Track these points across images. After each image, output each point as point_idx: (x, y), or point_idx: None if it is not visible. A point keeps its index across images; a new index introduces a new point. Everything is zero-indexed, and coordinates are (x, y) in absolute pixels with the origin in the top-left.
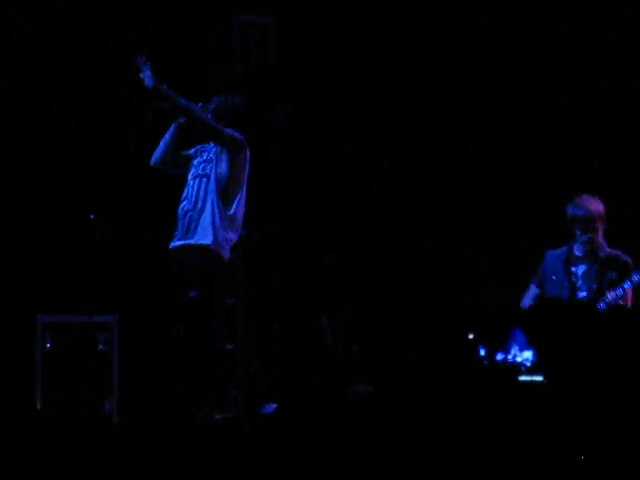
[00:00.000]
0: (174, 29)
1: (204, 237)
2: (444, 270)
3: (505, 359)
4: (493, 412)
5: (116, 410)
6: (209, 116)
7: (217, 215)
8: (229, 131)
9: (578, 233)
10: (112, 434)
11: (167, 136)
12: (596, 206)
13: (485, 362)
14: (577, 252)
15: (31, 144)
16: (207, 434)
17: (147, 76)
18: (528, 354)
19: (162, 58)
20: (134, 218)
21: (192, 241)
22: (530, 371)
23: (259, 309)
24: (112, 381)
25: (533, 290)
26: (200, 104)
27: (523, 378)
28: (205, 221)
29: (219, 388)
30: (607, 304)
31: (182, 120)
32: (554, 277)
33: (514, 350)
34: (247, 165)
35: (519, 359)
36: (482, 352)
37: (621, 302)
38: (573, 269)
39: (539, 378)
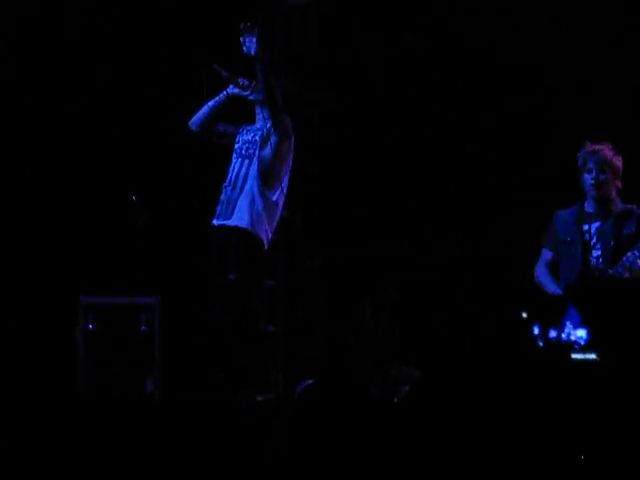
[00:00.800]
0: (215, 13)
1: (241, 219)
2: (492, 250)
3: (559, 337)
4: (548, 391)
5: (158, 390)
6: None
7: (257, 199)
8: (285, 116)
9: (588, 185)
10: (154, 414)
11: (212, 102)
12: (611, 153)
13: (539, 342)
14: (588, 208)
15: (73, 125)
16: (248, 416)
17: (252, 44)
18: (582, 332)
19: (204, 44)
20: (177, 197)
21: (230, 222)
22: (584, 349)
23: (300, 291)
24: (154, 361)
25: (546, 254)
26: (254, 82)
27: (576, 356)
28: (243, 203)
29: (260, 370)
30: (627, 266)
31: (233, 90)
32: (568, 238)
33: (568, 328)
34: (292, 153)
35: (573, 337)
36: (536, 330)
37: None
38: (585, 227)
39: (592, 356)
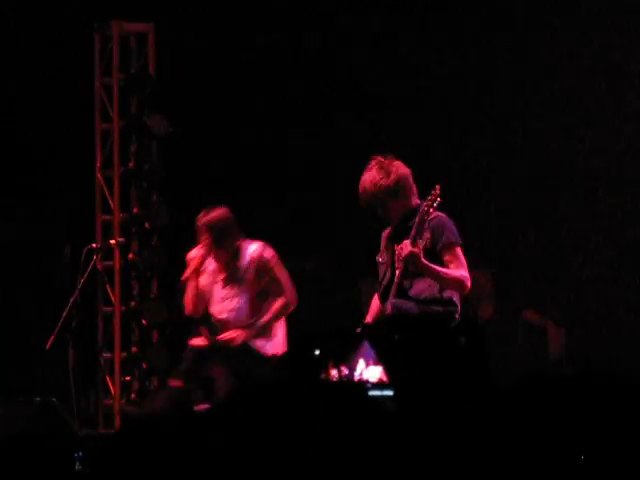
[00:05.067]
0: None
1: None
2: None
3: (351, 375)
4: (347, 429)
5: None
6: None
7: None
8: None
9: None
10: None
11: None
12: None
13: (333, 380)
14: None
15: None
16: None
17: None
18: (375, 370)
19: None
20: None
21: None
22: (378, 386)
23: None
24: None
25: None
26: None
27: (373, 393)
28: None
29: None
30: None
31: None
32: (380, 259)
33: (360, 366)
34: None
35: (366, 375)
36: (330, 369)
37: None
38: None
39: (389, 392)
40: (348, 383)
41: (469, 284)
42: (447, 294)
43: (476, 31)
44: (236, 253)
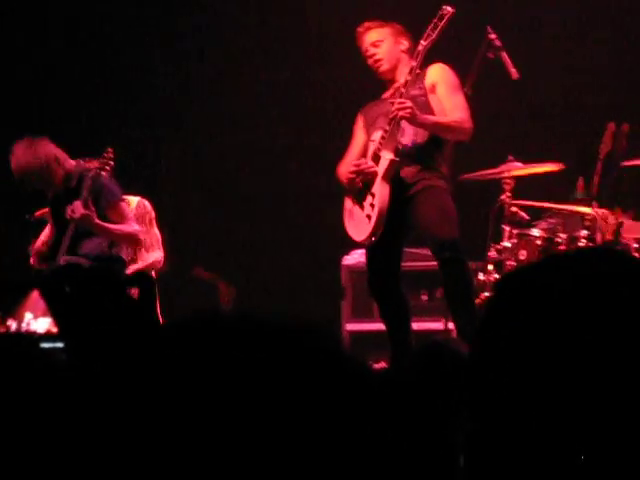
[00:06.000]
0: None
1: None
2: None
3: (19, 327)
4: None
5: None
6: None
7: None
8: None
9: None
10: None
11: None
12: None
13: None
14: None
15: None
16: None
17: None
18: (43, 321)
19: None
20: None
21: None
22: (47, 338)
23: None
24: None
25: None
26: None
27: (44, 345)
28: None
29: None
30: None
31: None
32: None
33: (27, 317)
34: None
35: (34, 327)
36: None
37: None
38: None
39: (59, 344)
40: (16, 335)
41: (141, 237)
42: (115, 251)
43: None
44: None
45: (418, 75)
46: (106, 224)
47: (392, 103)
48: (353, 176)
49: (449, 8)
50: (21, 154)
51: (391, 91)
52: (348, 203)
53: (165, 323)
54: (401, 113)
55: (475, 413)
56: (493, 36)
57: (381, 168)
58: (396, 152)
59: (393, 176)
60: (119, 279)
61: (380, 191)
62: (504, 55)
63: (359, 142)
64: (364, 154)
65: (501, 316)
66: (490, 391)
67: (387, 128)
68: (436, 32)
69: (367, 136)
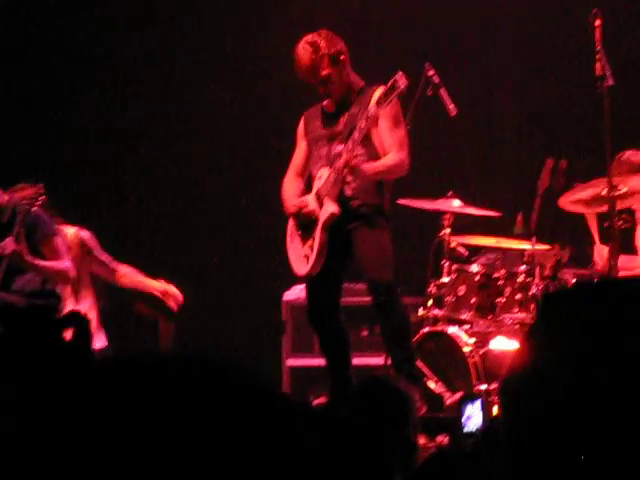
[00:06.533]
0: None
1: None
2: None
3: None
4: None
5: None
6: None
7: None
8: None
9: None
10: None
11: None
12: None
13: None
14: None
15: None
16: None
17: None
18: None
19: None
20: None
21: None
22: None
23: None
24: None
25: None
26: None
27: None
28: None
29: None
30: None
31: None
32: None
33: None
34: None
35: None
36: None
37: None
38: None
39: None
40: None
41: (72, 274)
42: (49, 286)
43: None
44: None
45: (362, 98)
46: (37, 261)
47: (339, 153)
48: (296, 210)
49: (403, 79)
50: None
51: (332, 107)
52: (291, 225)
53: (95, 364)
54: (347, 170)
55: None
56: (432, 72)
57: (322, 217)
58: (338, 198)
59: (332, 224)
60: (53, 319)
61: (319, 238)
62: (443, 92)
63: (301, 153)
64: (306, 163)
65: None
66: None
67: (331, 177)
68: (387, 100)
69: (308, 147)
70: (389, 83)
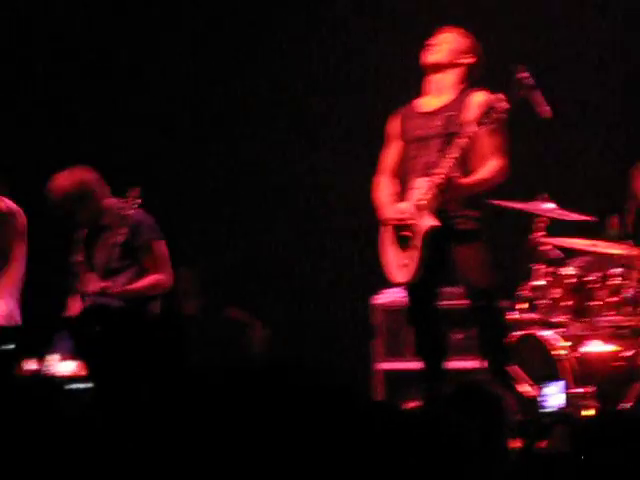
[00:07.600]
0: None
1: None
2: None
3: (41, 369)
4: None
5: None
6: None
7: None
8: None
9: None
10: None
11: None
12: None
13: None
14: None
15: None
16: None
17: None
18: (70, 364)
19: None
20: None
21: None
22: (73, 379)
23: None
24: None
25: None
26: None
27: (69, 386)
28: None
29: None
30: None
31: None
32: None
33: (53, 359)
34: None
35: (59, 369)
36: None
37: None
38: None
39: (87, 385)
40: (39, 377)
41: (166, 284)
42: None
43: None
44: None
45: (461, 97)
46: (127, 287)
47: (436, 164)
48: (396, 222)
49: (504, 103)
50: (62, 179)
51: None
52: (387, 231)
53: (192, 367)
54: (445, 185)
55: None
56: (524, 75)
57: (423, 229)
58: (436, 211)
59: (432, 236)
60: (149, 320)
61: (421, 250)
62: (536, 94)
63: (396, 153)
64: (400, 164)
65: None
66: None
67: (430, 190)
68: (488, 121)
69: (404, 147)
70: (490, 100)
